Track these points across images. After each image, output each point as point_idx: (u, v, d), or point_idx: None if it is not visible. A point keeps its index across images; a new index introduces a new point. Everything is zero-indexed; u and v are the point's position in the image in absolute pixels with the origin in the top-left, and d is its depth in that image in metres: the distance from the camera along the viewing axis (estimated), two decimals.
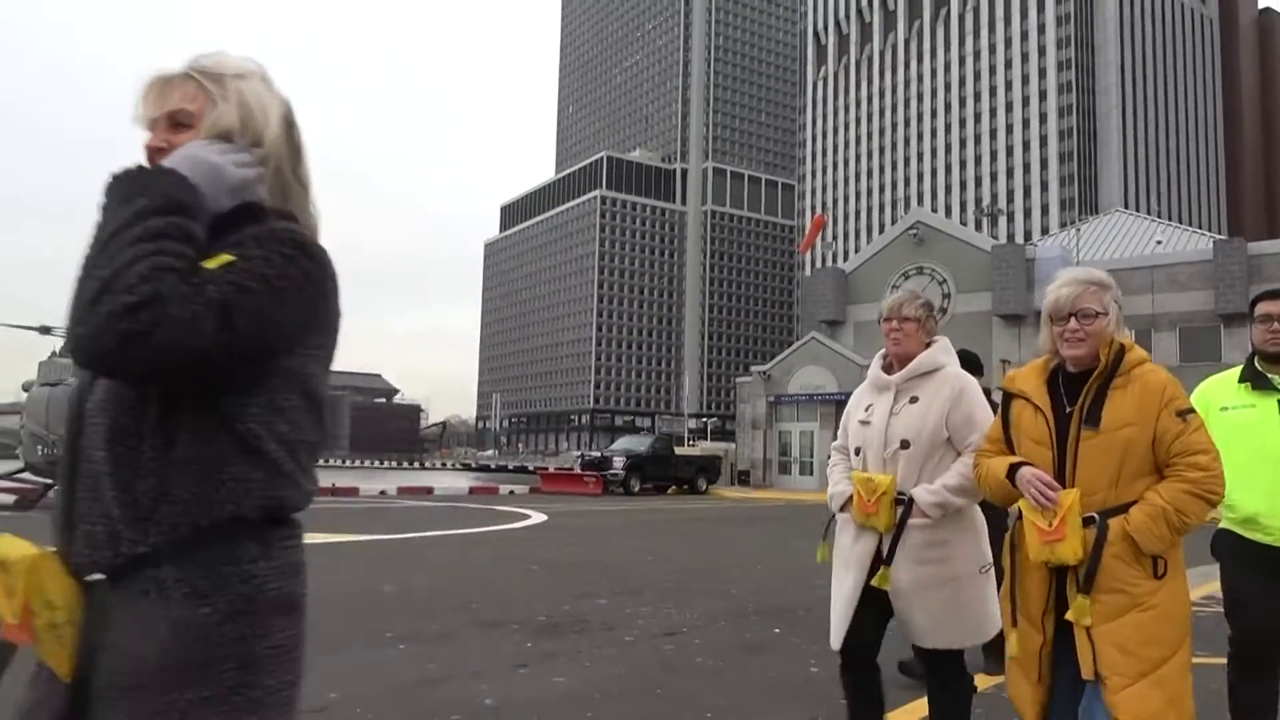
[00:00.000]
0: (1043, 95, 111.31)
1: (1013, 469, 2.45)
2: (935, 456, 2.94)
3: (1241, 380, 3.18)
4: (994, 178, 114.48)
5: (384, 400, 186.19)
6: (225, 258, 1.14)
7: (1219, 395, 3.22)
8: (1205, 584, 8.90)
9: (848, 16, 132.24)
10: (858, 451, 3.07)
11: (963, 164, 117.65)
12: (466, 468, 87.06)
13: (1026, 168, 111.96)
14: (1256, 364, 3.16)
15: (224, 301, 1.09)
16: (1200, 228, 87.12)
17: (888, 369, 3.13)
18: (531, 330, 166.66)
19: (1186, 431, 2.28)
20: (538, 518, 15.79)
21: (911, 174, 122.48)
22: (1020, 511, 2.41)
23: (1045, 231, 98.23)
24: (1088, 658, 2.26)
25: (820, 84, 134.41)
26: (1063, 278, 2.46)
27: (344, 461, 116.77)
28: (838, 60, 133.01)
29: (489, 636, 5.66)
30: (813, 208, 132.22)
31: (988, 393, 4.98)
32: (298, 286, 1.18)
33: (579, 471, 28.32)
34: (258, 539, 1.19)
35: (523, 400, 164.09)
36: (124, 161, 1.18)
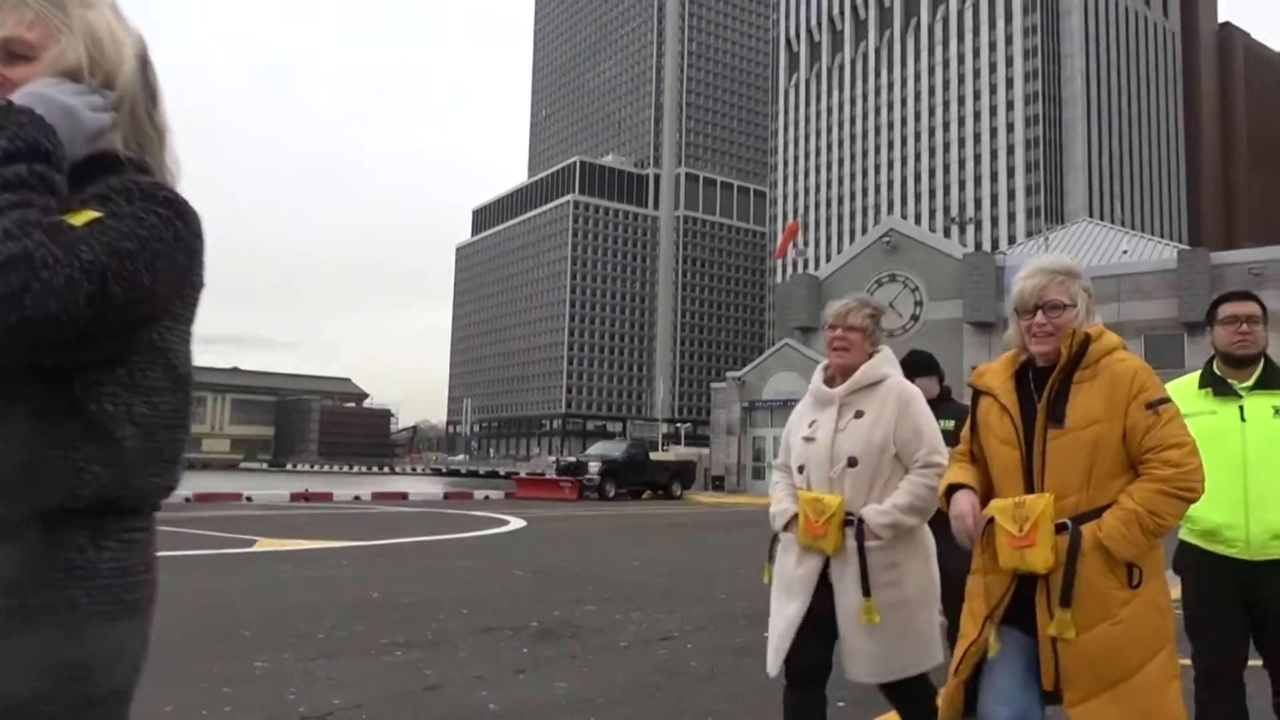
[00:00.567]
0: (1010, 105, 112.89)
1: (951, 489, 2.34)
2: (884, 474, 2.80)
3: (1202, 386, 3.03)
4: (962, 186, 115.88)
5: (354, 405, 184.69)
6: (90, 214, 1.01)
7: (1179, 401, 3.00)
8: (1176, 588, 9.15)
9: (819, 24, 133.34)
10: (801, 469, 2.91)
11: (932, 172, 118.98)
12: (437, 473, 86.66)
13: (994, 176, 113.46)
14: (1216, 368, 3.04)
15: (99, 265, 0.96)
16: (1162, 237, 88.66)
17: (830, 381, 2.97)
18: (503, 334, 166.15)
19: (1158, 424, 2.12)
20: (517, 523, 15.78)
21: (882, 181, 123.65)
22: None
23: (1012, 240, 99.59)
24: (1049, 668, 2.13)
25: (792, 91, 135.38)
26: (1028, 268, 2.32)
27: (312, 466, 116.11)
28: (809, 68, 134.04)
29: (484, 642, 5.68)
30: (784, 214, 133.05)
31: (949, 392, 5.09)
32: (172, 250, 1.06)
33: (555, 477, 28.31)
34: (93, 530, 1.06)
35: (494, 405, 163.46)
36: None
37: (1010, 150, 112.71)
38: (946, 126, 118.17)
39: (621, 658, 5.41)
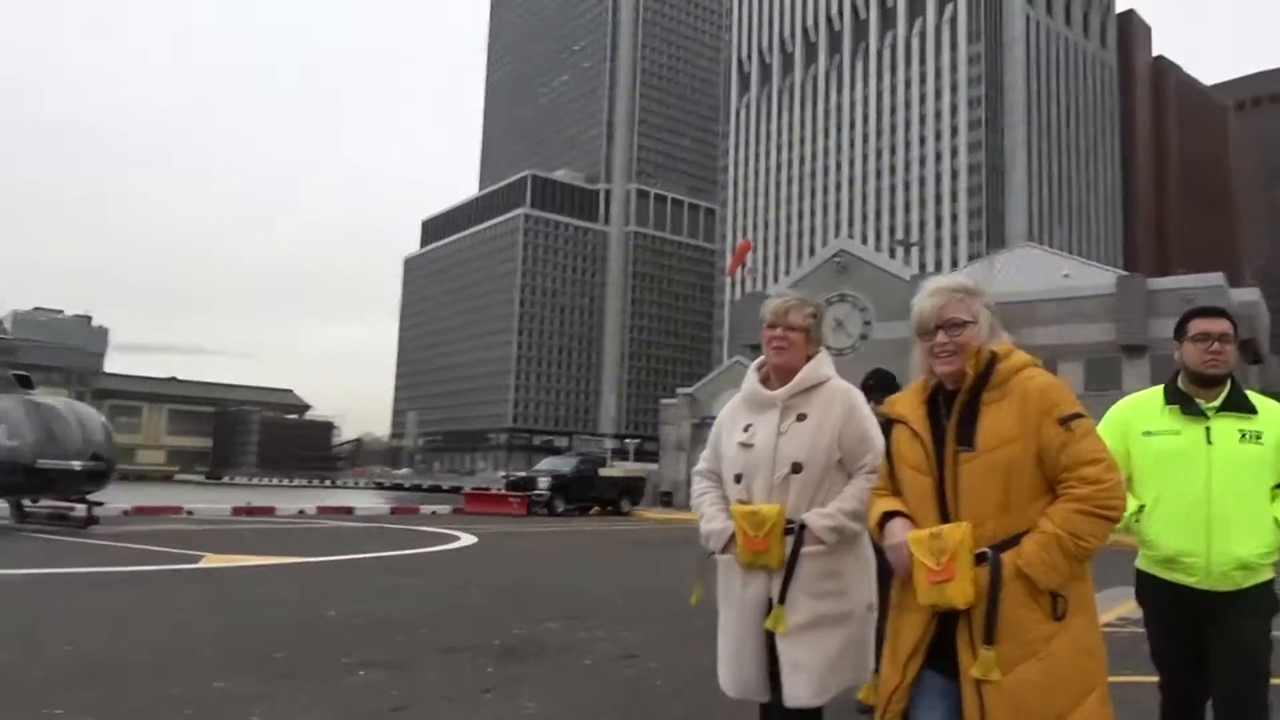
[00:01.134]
0: (954, 130, 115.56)
1: (886, 517, 2.21)
2: (828, 480, 2.62)
3: (1168, 402, 2.88)
4: (908, 208, 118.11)
5: (295, 416, 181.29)
6: None
7: (1141, 417, 2.92)
8: (1121, 605, 9.37)
9: (771, 47, 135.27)
10: (739, 479, 2.67)
11: (878, 194, 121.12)
12: (379, 486, 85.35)
13: (939, 199, 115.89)
14: (1182, 385, 2.89)
15: None
16: (1099, 262, 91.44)
17: (765, 382, 2.75)
18: (450, 348, 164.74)
19: (1073, 440, 1.99)
20: (468, 539, 15.61)
21: (830, 201, 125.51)
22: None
23: (955, 262, 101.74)
24: (974, 714, 1.98)
25: (744, 111, 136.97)
26: (926, 288, 2.23)
27: (251, 479, 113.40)
28: (761, 88, 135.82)
29: (448, 662, 5.60)
30: (734, 232, 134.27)
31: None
32: None
33: (504, 492, 28.08)
34: None
35: (439, 418, 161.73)
36: None
37: (954, 174, 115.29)
38: (893, 150, 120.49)
39: (588, 676, 5.38)
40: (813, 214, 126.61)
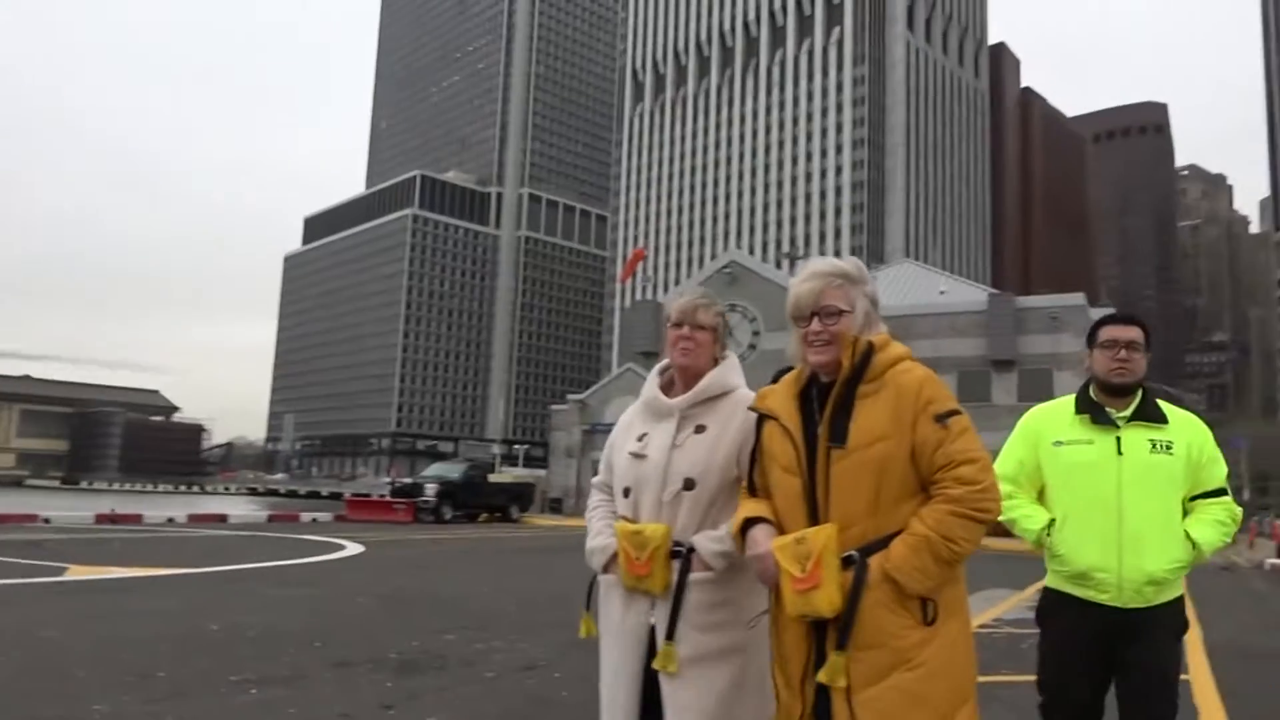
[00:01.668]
0: (838, 149, 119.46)
1: (747, 524, 2.07)
2: (722, 499, 2.33)
3: (1079, 411, 2.78)
4: (794, 222, 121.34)
5: (161, 418, 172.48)
6: None
7: (1051, 427, 2.81)
8: (995, 606, 9.82)
9: (665, 58, 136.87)
10: (627, 493, 2.41)
11: (766, 206, 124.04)
12: (253, 492, 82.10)
13: (823, 215, 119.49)
14: (1093, 394, 2.80)
15: None
16: (970, 279, 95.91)
17: (667, 388, 2.49)
18: (332, 349, 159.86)
19: (948, 439, 1.90)
20: (354, 548, 15.15)
21: (719, 213, 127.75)
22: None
23: None
24: None
25: (637, 120, 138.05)
26: (804, 270, 2.11)
27: (111, 484, 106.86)
28: (654, 98, 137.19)
29: (344, 677, 5.42)
30: (626, 239, 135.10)
31: None
32: None
33: (389, 498, 27.39)
34: None
35: (318, 422, 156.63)
36: None
37: (838, 191, 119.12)
38: (780, 165, 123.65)
39: (491, 689, 5.30)
40: (702, 224, 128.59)
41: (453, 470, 29.44)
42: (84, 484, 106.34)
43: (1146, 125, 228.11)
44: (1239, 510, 2.79)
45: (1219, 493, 2.75)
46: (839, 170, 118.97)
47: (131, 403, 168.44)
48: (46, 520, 20.17)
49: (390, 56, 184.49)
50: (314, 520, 25.21)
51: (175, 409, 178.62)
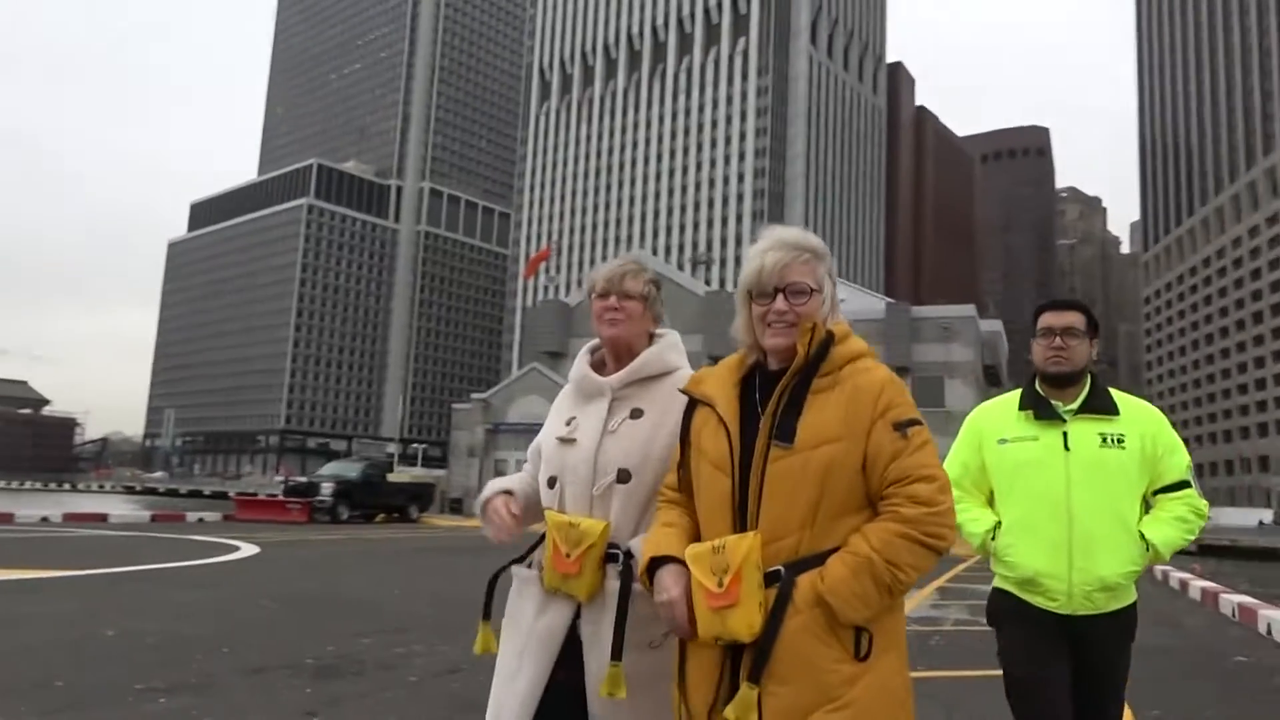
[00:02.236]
0: (742, 156, 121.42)
1: (655, 563, 1.76)
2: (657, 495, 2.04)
3: (1023, 407, 2.61)
4: (697, 226, 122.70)
5: (29, 412, 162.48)
6: None
7: (995, 425, 2.65)
8: (921, 605, 10.07)
9: (572, 58, 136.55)
10: (552, 483, 2.11)
11: (670, 210, 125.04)
12: (130, 490, 78.14)
13: (725, 221, 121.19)
14: (1038, 387, 2.63)
15: None
16: (865, 288, 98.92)
17: (598, 370, 2.19)
18: (218, 342, 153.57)
19: (906, 450, 1.65)
20: (249, 549, 14.57)
21: (625, 215, 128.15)
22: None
23: (738, 282, 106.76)
24: None
25: (543, 118, 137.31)
26: (765, 240, 1.82)
27: None
28: (561, 98, 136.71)
29: (260, 683, 5.19)
30: (529, 238, 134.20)
31: None
32: None
33: (282, 498, 26.50)
34: None
35: (201, 418, 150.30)
36: None
37: (740, 198, 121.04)
38: (685, 170, 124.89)
39: (415, 693, 5.16)
40: (610, 225, 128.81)
41: (350, 469, 28.68)
42: None
43: (1030, 148, 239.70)
44: (1204, 504, 2.58)
45: (1180, 485, 2.55)
46: (741, 178, 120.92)
47: None
48: None
49: (288, 41, 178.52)
50: (201, 520, 24.17)
51: (45, 401, 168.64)
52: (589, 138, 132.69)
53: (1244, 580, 15.39)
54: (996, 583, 2.65)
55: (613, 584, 1.96)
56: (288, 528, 22.07)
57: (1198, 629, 9.49)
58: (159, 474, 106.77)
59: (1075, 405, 2.56)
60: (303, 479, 27.83)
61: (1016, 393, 2.69)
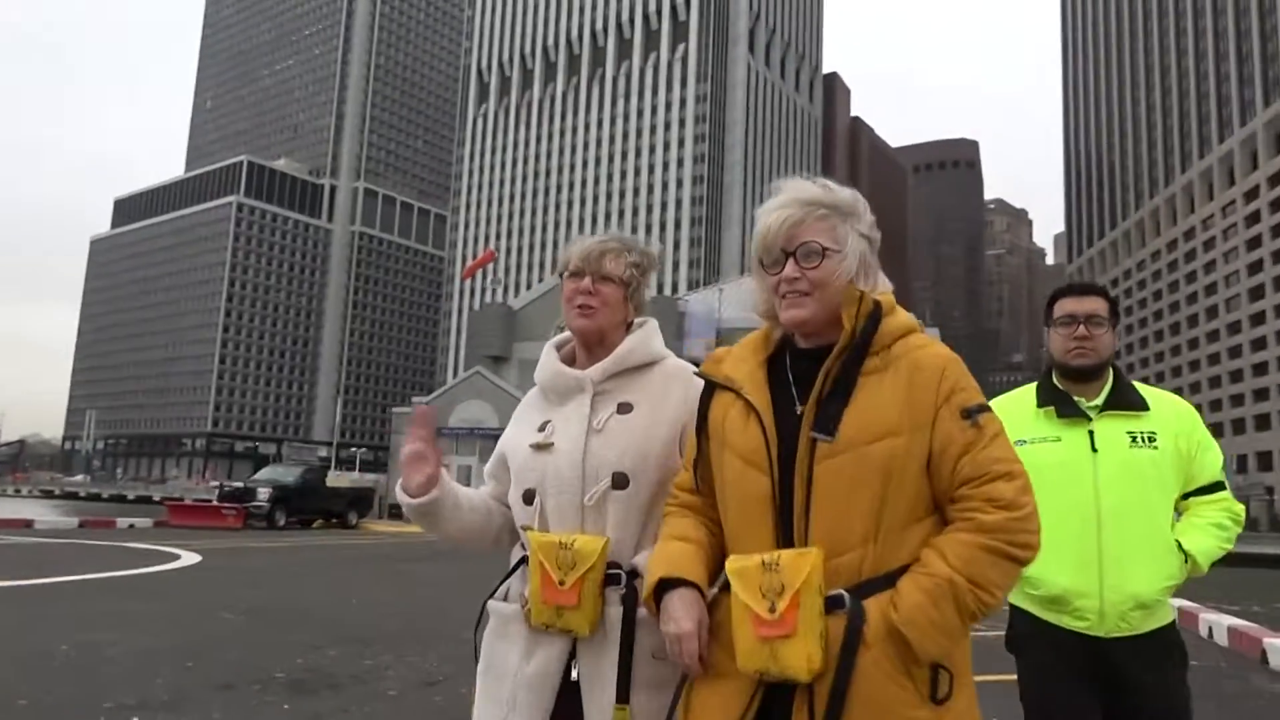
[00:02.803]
0: (680, 163, 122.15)
1: (663, 586, 1.46)
2: (664, 501, 1.67)
3: (1042, 403, 2.33)
4: (635, 231, 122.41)
5: None
6: None
7: (1012, 424, 2.19)
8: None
9: (511, 60, 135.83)
10: (530, 498, 1.75)
11: (608, 216, 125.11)
12: (49, 495, 75.24)
13: (663, 226, 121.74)
14: (1057, 382, 2.36)
15: None
16: None
17: (568, 362, 1.85)
18: (142, 342, 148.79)
19: (979, 443, 1.38)
20: (190, 556, 14.12)
21: (563, 219, 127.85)
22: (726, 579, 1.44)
23: (676, 287, 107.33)
24: None
25: (481, 120, 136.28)
26: (778, 196, 1.53)
27: None
28: (499, 100, 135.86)
29: (233, 700, 5.03)
30: (466, 240, 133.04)
31: None
32: None
33: (217, 503, 25.76)
34: None
35: (124, 420, 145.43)
36: None
37: (679, 204, 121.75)
38: (623, 175, 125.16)
39: (398, 708, 5.05)
40: (550, 228, 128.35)
41: (287, 473, 28.03)
42: None
43: (960, 160, 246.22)
44: (1240, 508, 2.32)
45: (1215, 487, 2.30)
46: (680, 184, 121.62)
47: None
48: None
49: (218, 34, 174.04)
50: (132, 526, 23.33)
51: None
52: (527, 141, 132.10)
53: None
54: (1014, 600, 2.32)
55: (614, 611, 1.64)
56: (224, 534, 21.48)
57: None
58: (80, 477, 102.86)
59: (1100, 401, 2.29)
60: (238, 484, 27.10)
61: (1030, 388, 2.43)
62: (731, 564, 1.42)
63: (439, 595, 10.75)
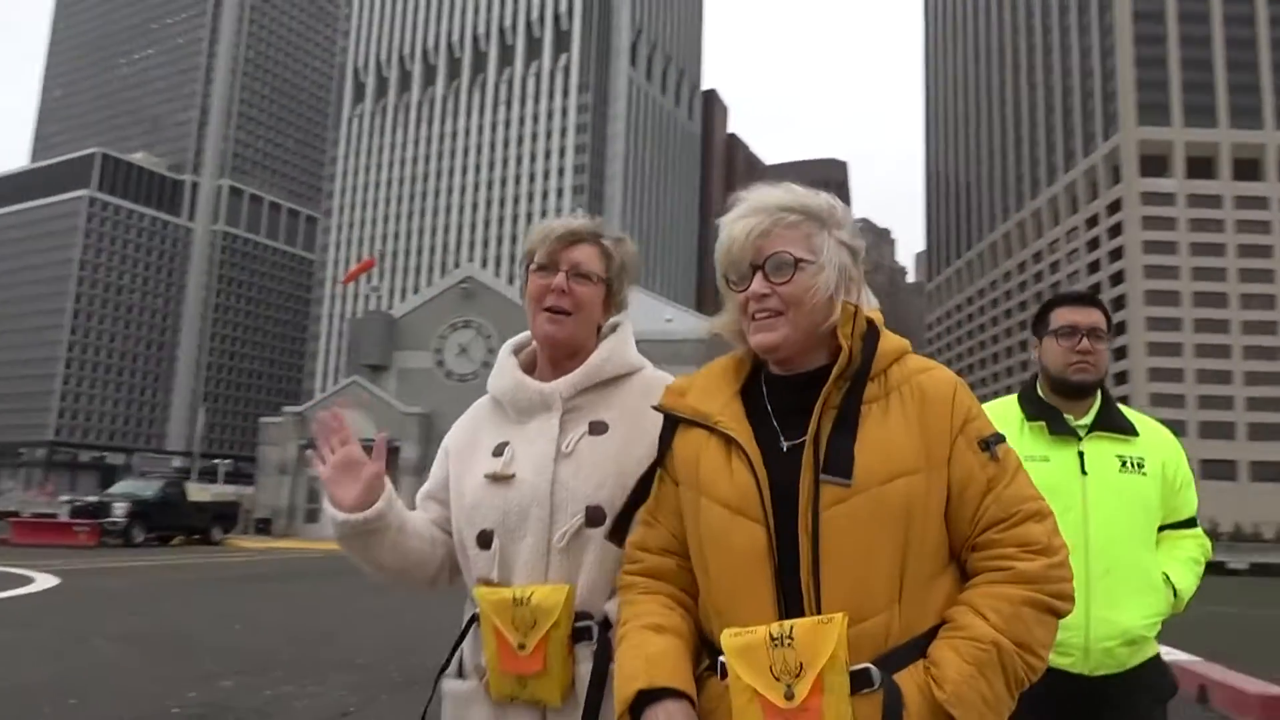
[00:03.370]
0: (561, 171, 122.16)
1: (644, 697, 1.16)
2: None
3: (1031, 418, 2.16)
4: (515, 240, 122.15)
5: None
6: None
7: None
8: None
9: (389, 61, 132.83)
10: (487, 540, 1.46)
11: (488, 223, 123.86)
12: None
13: None
14: (1042, 394, 2.19)
15: None
16: (681, 305, 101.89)
17: (528, 371, 1.57)
18: None
19: (1002, 478, 1.20)
20: (46, 579, 13.13)
21: (442, 224, 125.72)
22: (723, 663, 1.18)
23: None
24: None
25: (356, 120, 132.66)
26: (746, 202, 1.31)
27: None
28: (375, 101, 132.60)
29: None
30: (339, 244, 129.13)
31: None
32: None
33: (67, 519, 24.05)
34: None
35: None
36: None
37: (559, 213, 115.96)
38: (504, 182, 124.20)
39: None
40: (430, 233, 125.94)
41: (146, 487, 26.41)
42: None
43: (830, 180, 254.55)
44: (1209, 544, 2.25)
45: (1190, 523, 2.20)
46: (560, 193, 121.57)
47: None
48: None
49: (71, 18, 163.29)
50: None
51: None
52: (405, 144, 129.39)
53: None
54: None
55: (584, 669, 1.38)
56: (77, 553, 20.08)
57: None
58: None
59: (1088, 420, 2.14)
60: (92, 498, 25.39)
61: (1011, 400, 2.24)
62: (730, 640, 1.14)
63: (325, 618, 10.36)
